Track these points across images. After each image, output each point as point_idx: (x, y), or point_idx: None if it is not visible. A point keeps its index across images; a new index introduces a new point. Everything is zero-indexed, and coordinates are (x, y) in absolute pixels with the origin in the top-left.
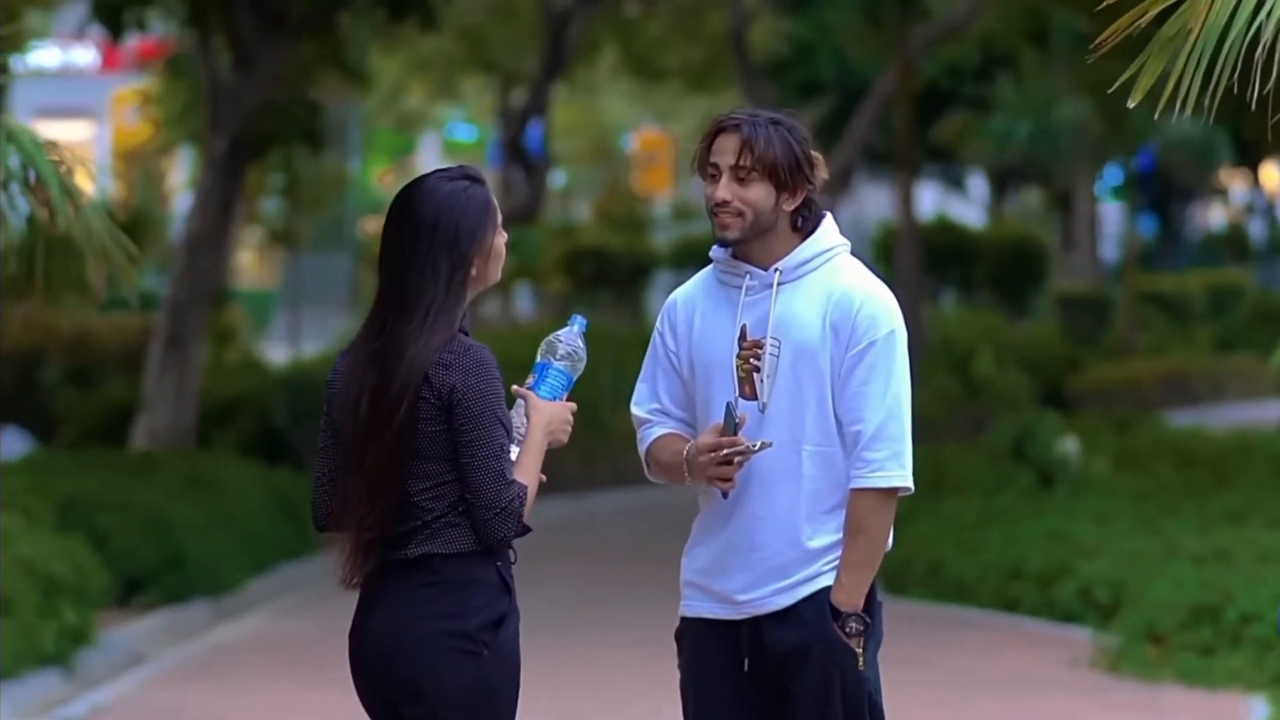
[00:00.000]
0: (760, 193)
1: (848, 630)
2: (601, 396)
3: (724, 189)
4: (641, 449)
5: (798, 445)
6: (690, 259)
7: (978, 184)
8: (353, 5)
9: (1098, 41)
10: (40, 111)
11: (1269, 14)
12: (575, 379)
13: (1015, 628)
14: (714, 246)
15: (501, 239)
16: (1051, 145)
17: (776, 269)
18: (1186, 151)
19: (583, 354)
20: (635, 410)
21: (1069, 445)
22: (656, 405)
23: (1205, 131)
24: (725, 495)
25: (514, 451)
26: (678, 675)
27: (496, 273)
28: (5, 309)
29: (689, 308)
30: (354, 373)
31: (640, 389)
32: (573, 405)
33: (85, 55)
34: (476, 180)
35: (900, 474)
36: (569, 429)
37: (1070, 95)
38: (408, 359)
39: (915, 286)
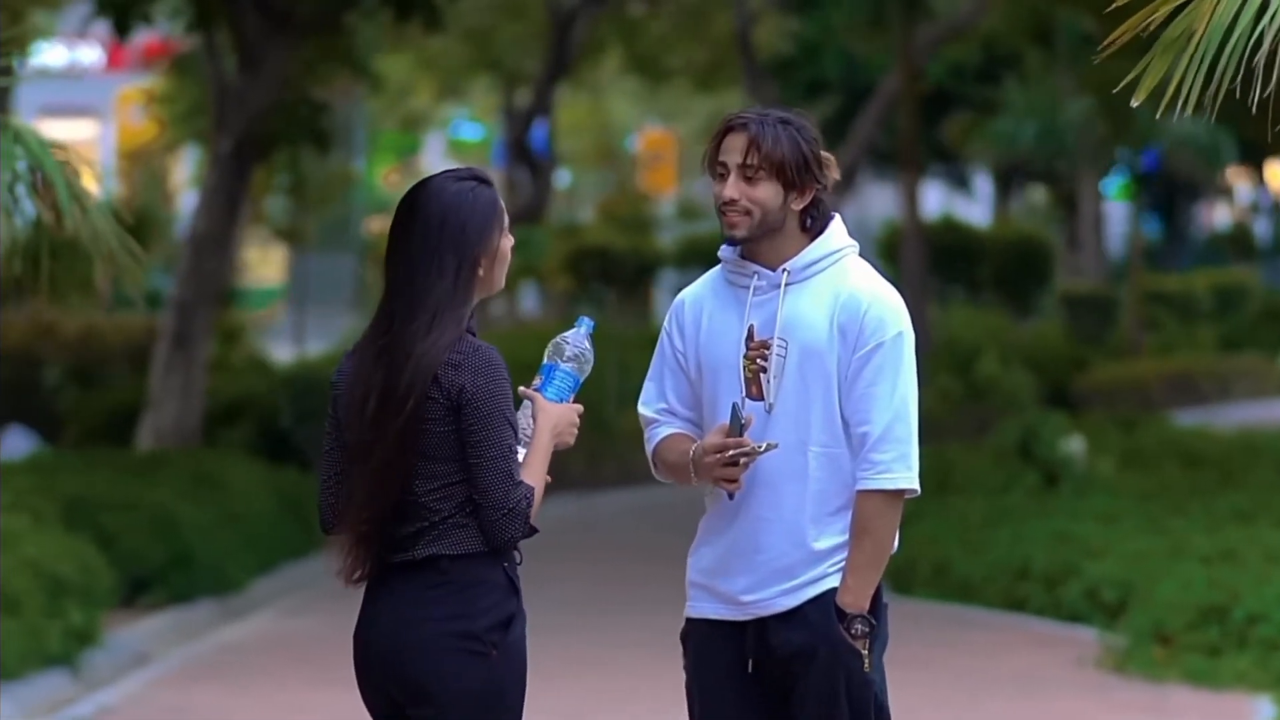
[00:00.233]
0: (768, 191)
1: (853, 632)
2: (607, 396)
3: (732, 187)
4: (648, 449)
5: (804, 446)
6: (695, 258)
7: (983, 183)
8: (358, 5)
9: (1106, 42)
10: (45, 110)
11: (1271, 18)
12: (582, 381)
13: (1021, 628)
14: (723, 246)
15: (508, 241)
16: (1057, 146)
17: (784, 269)
18: (1192, 151)
19: (590, 356)
20: (642, 410)
21: (1074, 445)
22: (664, 405)
23: (1210, 131)
24: (731, 496)
25: (520, 453)
26: (683, 676)
27: (502, 277)
28: (11, 309)
29: (697, 308)
30: (360, 372)
31: (648, 388)
32: (579, 407)
33: (90, 54)
34: (484, 181)
35: (907, 476)
36: (575, 431)
37: (1075, 95)
38: (415, 358)
39: (920, 286)
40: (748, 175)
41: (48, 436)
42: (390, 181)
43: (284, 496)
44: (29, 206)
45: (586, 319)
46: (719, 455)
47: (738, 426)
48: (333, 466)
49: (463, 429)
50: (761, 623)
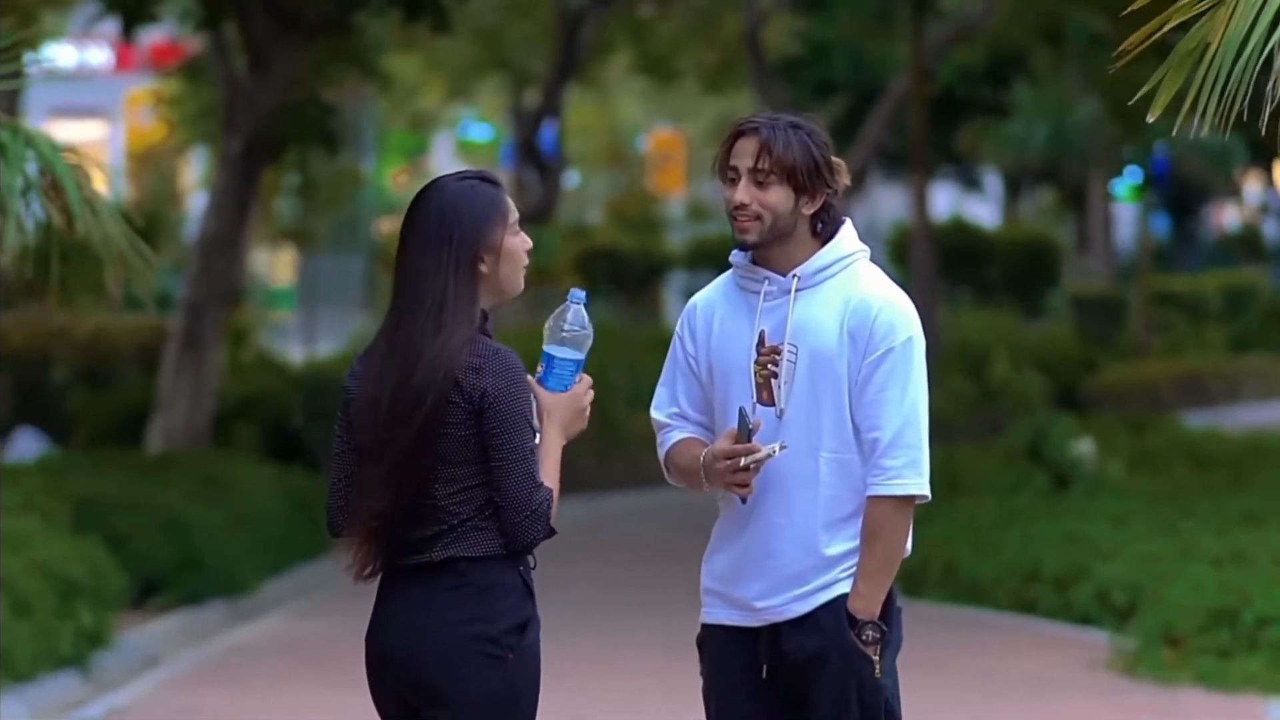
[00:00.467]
0: (779, 196)
1: (864, 638)
2: (616, 397)
3: (743, 192)
4: (661, 453)
5: (815, 452)
6: (704, 259)
7: (992, 183)
8: (367, 6)
9: (1120, 49)
10: (54, 111)
11: None
12: (584, 357)
13: (1032, 630)
14: (734, 251)
15: (518, 240)
16: (1068, 148)
17: (795, 275)
18: (1202, 154)
19: (589, 330)
20: (655, 414)
21: (1084, 447)
22: (676, 409)
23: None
24: (744, 501)
25: None
26: (692, 677)
27: (516, 278)
28: (20, 311)
29: (708, 312)
30: (371, 373)
31: (660, 393)
32: (588, 383)
33: (99, 55)
34: (488, 181)
35: (917, 482)
36: (586, 416)
37: (1085, 96)
38: (427, 355)
39: (930, 288)
40: (759, 180)
41: (58, 438)
42: (399, 182)
43: (294, 498)
44: (38, 209)
45: (577, 290)
46: (729, 462)
47: (745, 432)
48: (343, 470)
49: (485, 432)
50: (775, 628)
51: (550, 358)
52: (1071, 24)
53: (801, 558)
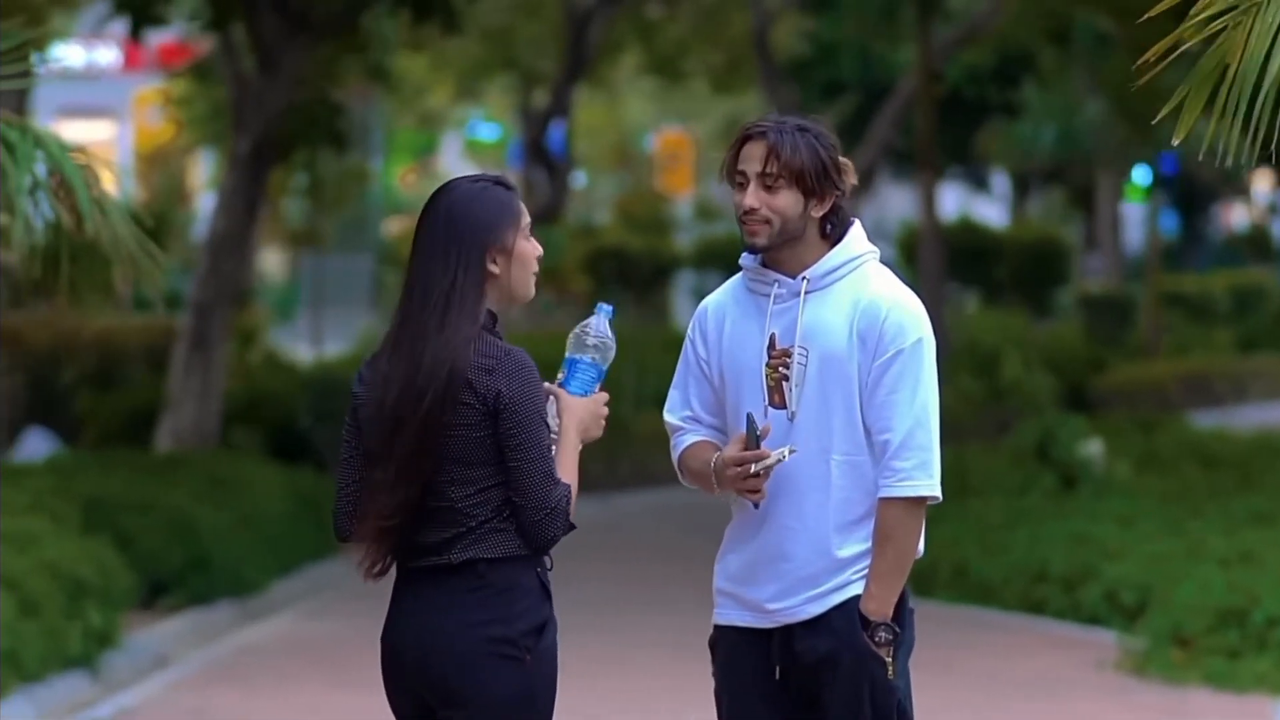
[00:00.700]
0: (788, 200)
1: (877, 640)
2: (625, 397)
3: (752, 196)
4: (674, 457)
5: (826, 454)
6: (712, 259)
7: (1000, 183)
8: (376, 6)
9: (1140, 63)
10: (62, 111)
11: None
12: (606, 369)
13: (1041, 630)
14: (744, 253)
15: (529, 245)
16: (1076, 148)
17: (804, 277)
18: (1211, 155)
19: (611, 343)
20: (668, 418)
21: (1093, 447)
22: (688, 412)
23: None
24: (756, 506)
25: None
26: (703, 677)
27: (526, 282)
28: (29, 311)
29: (719, 315)
30: (378, 375)
31: (672, 396)
32: (605, 396)
33: (107, 55)
34: (500, 184)
35: (928, 483)
36: (603, 423)
37: (1092, 96)
38: (431, 354)
39: (938, 287)
40: (767, 184)
41: (67, 438)
42: (407, 181)
43: (302, 498)
44: (47, 209)
45: (605, 305)
46: (739, 469)
47: (754, 437)
48: (351, 474)
49: (501, 433)
50: (787, 630)
51: (573, 364)
52: (1078, 24)
53: (814, 560)
